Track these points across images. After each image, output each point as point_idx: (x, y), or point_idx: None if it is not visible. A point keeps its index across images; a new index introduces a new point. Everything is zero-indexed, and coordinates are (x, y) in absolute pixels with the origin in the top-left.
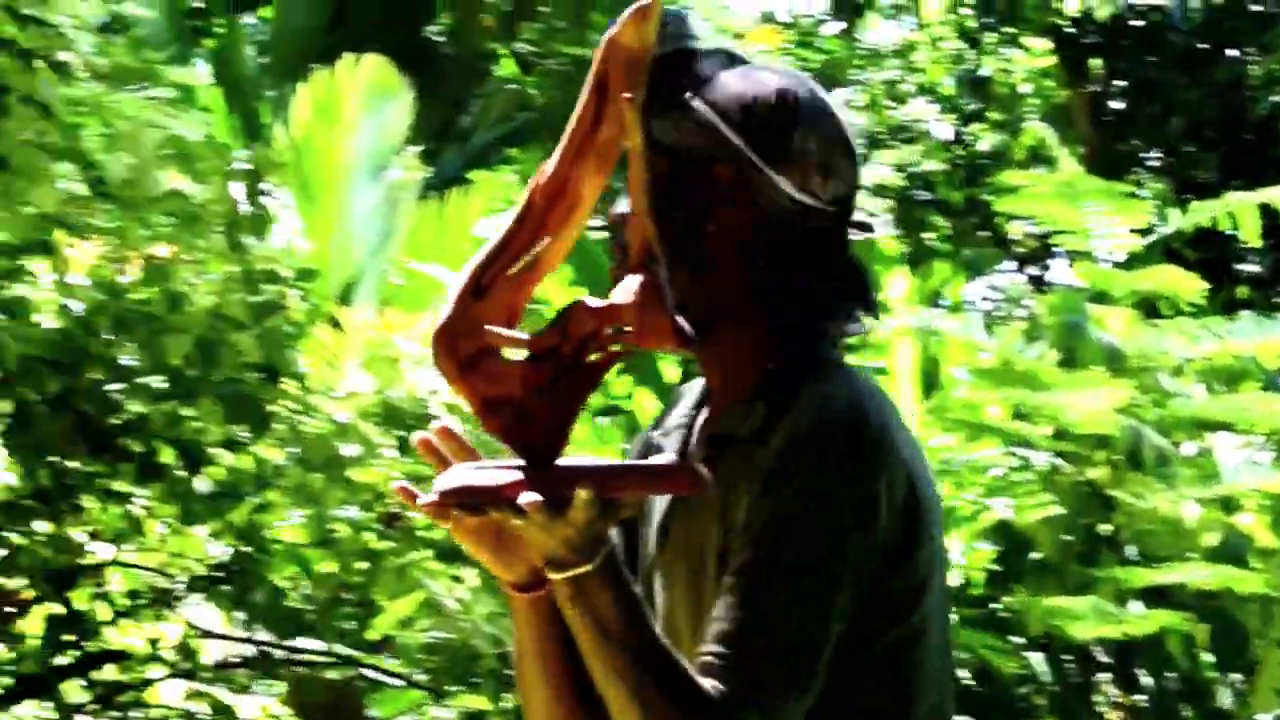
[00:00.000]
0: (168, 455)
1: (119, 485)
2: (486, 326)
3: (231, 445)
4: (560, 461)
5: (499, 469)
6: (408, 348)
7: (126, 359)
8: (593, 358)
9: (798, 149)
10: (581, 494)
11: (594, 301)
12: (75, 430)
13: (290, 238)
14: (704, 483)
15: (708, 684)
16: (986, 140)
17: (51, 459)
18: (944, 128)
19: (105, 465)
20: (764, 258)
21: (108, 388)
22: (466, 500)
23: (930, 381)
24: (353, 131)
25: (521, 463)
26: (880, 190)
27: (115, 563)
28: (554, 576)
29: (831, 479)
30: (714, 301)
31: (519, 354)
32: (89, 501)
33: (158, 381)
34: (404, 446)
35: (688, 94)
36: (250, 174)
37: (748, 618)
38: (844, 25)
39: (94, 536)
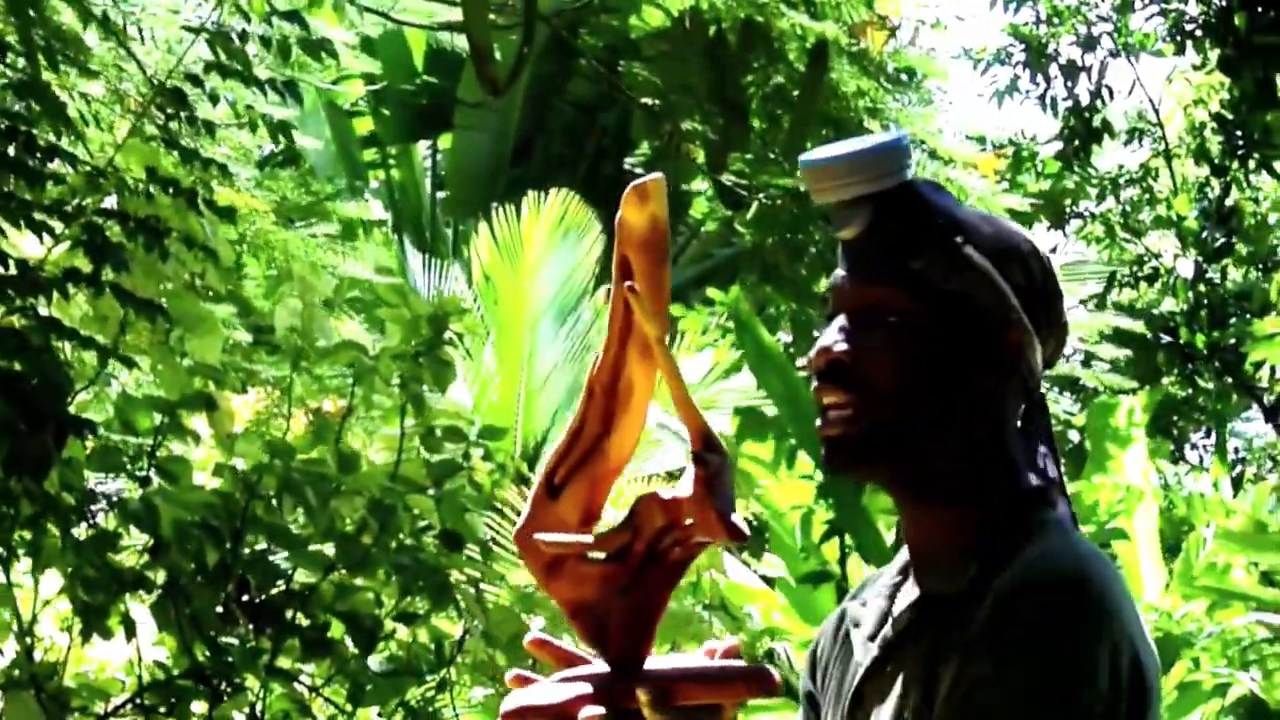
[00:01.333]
0: (337, 630)
1: (283, 663)
2: (537, 535)
3: (408, 618)
4: (651, 664)
5: (575, 681)
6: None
7: (293, 524)
8: (671, 553)
9: (1058, 318)
10: (643, 699)
11: (664, 493)
12: (236, 602)
13: (474, 390)
14: (776, 688)
15: None
16: (1232, 275)
17: (209, 634)
18: (1186, 264)
19: (268, 641)
20: (1007, 426)
21: (272, 556)
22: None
23: (1173, 545)
24: (539, 271)
25: (606, 670)
26: (1118, 336)
27: None
28: None
29: (1051, 636)
30: (959, 461)
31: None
32: (250, 680)
33: (327, 549)
34: None
35: (958, 239)
36: (431, 320)
37: None
38: (1071, 151)
39: (256, 719)
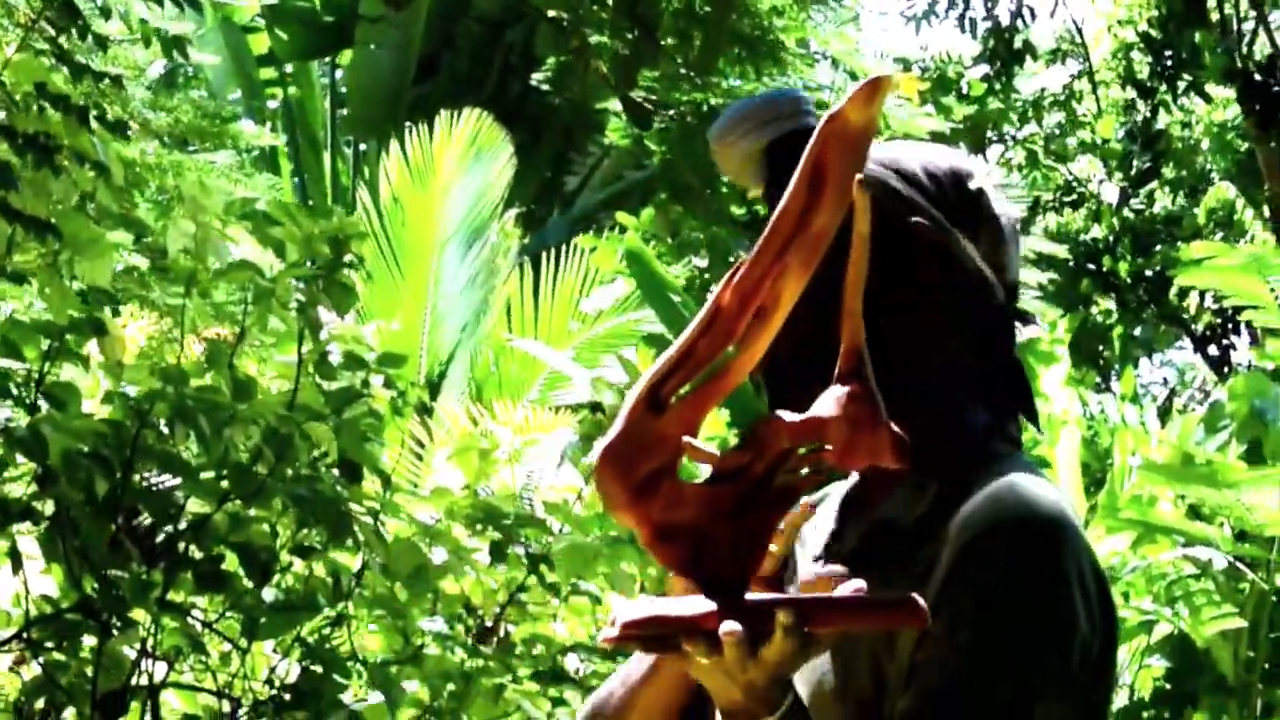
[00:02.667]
0: (232, 562)
1: (176, 596)
2: (685, 438)
3: (304, 551)
4: (749, 595)
5: (686, 601)
6: (504, 438)
7: (186, 453)
8: (785, 478)
9: (985, 214)
10: (783, 620)
11: (791, 416)
12: (126, 534)
13: (374, 315)
14: (925, 618)
15: None
16: (1160, 202)
17: (99, 566)
18: (1111, 189)
19: (160, 574)
20: (960, 343)
21: (164, 486)
22: (654, 633)
23: (1096, 476)
24: (448, 195)
25: (703, 597)
26: (1040, 260)
27: (171, 684)
28: None
29: (1030, 579)
30: (906, 395)
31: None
32: (141, 615)
33: (221, 479)
34: (498, 552)
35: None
36: (331, 243)
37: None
38: (996, 72)
39: (147, 654)
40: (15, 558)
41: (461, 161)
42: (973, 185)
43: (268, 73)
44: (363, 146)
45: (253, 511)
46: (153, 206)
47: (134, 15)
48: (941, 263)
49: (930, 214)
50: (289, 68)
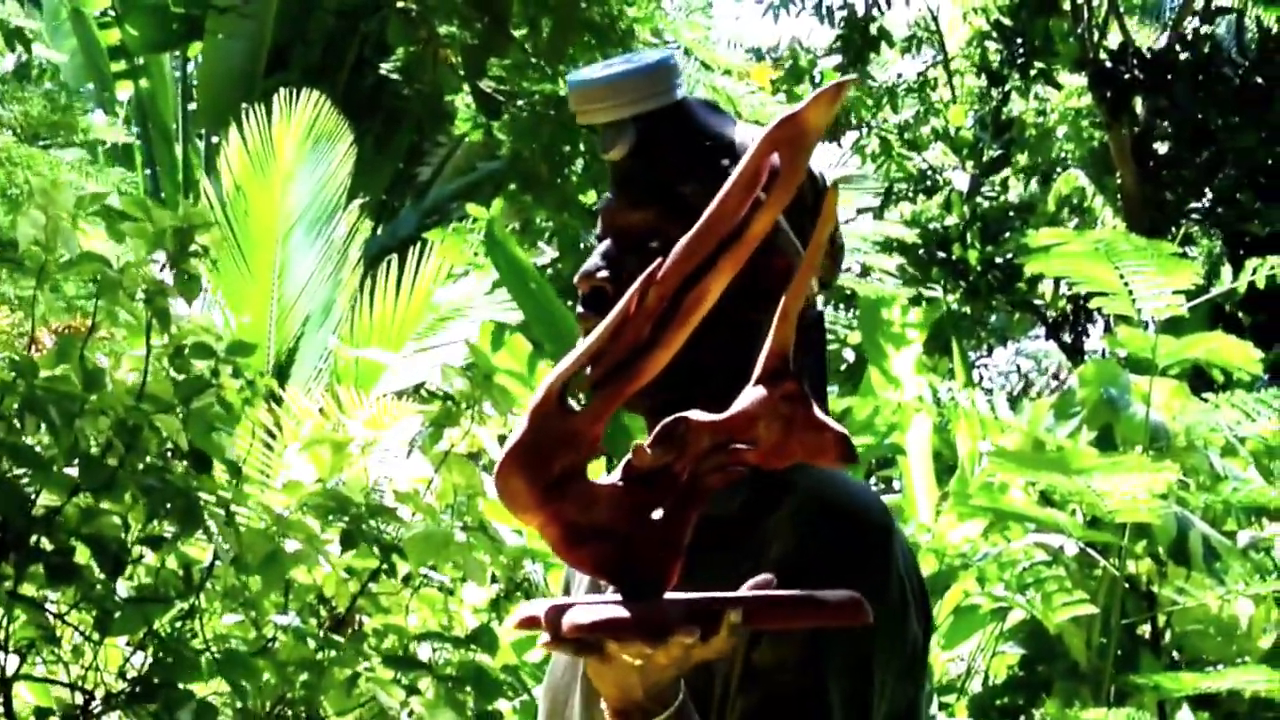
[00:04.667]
0: (83, 555)
1: (28, 589)
2: (638, 442)
3: (155, 543)
4: (671, 595)
5: (609, 601)
6: (355, 430)
7: (36, 445)
8: (706, 477)
9: (838, 243)
10: (733, 619)
11: (707, 415)
12: None
13: (221, 305)
14: (869, 617)
15: None
16: (1014, 190)
17: None
18: (962, 177)
19: (11, 566)
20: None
21: (14, 478)
22: (598, 637)
23: (948, 464)
24: (291, 181)
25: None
26: (890, 246)
27: (22, 676)
28: None
29: (858, 560)
30: (721, 397)
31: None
32: None
33: (72, 471)
34: (349, 541)
35: (725, 162)
36: (177, 233)
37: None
38: (850, 61)
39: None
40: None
41: (301, 148)
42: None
43: (119, 65)
44: (215, 139)
45: (104, 504)
46: (2, 200)
47: None
48: (780, 283)
49: (791, 241)
50: (140, 60)
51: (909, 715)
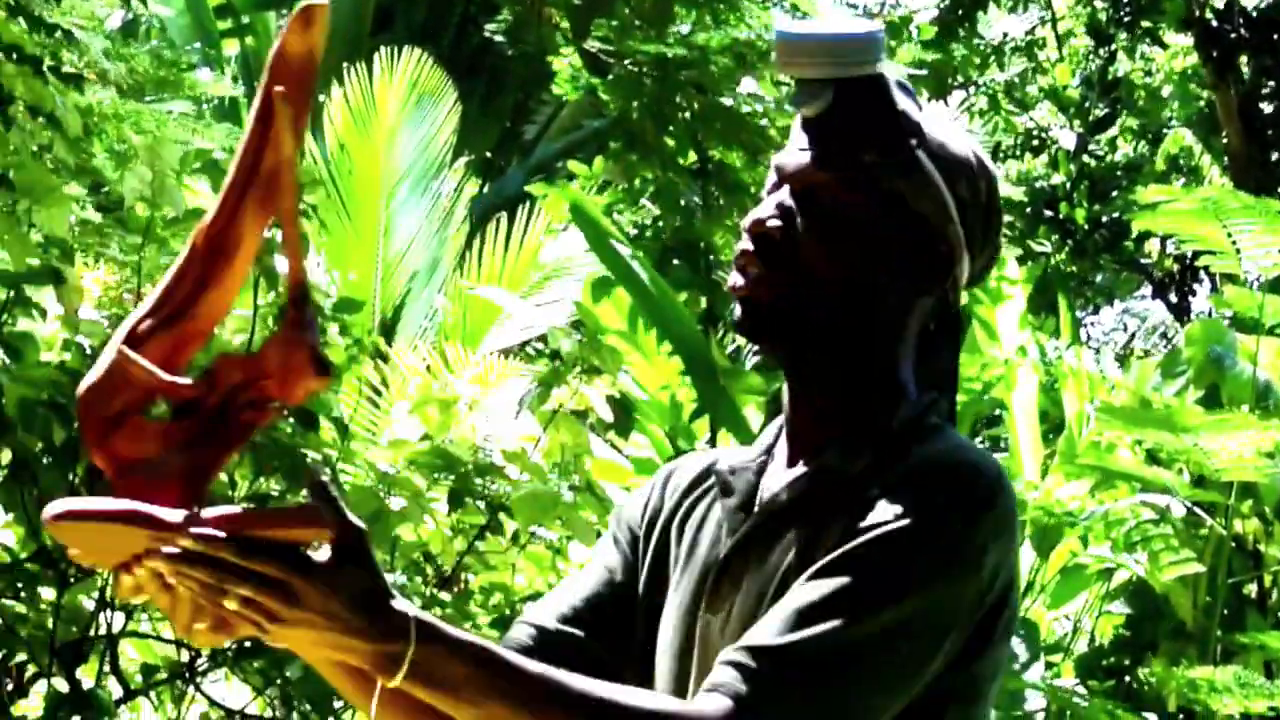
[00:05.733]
0: None
1: None
2: (122, 348)
3: (261, 500)
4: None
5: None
6: (462, 388)
7: None
8: (243, 413)
9: (993, 237)
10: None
11: (243, 356)
12: (85, 483)
13: (328, 264)
14: (327, 526)
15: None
16: (1121, 149)
17: None
18: (1069, 136)
19: None
20: (921, 330)
21: None
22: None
23: (1055, 424)
24: (394, 139)
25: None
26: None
27: (129, 633)
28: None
29: (952, 510)
30: (867, 365)
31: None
32: None
33: None
34: (456, 499)
35: (913, 142)
36: None
37: (809, 637)
38: (957, 19)
39: (106, 604)
40: None
41: (404, 106)
42: (1002, 219)
43: (225, 23)
44: (320, 97)
45: None
46: (110, 157)
47: None
48: (941, 273)
49: (959, 237)
50: (246, 18)
51: (966, 675)
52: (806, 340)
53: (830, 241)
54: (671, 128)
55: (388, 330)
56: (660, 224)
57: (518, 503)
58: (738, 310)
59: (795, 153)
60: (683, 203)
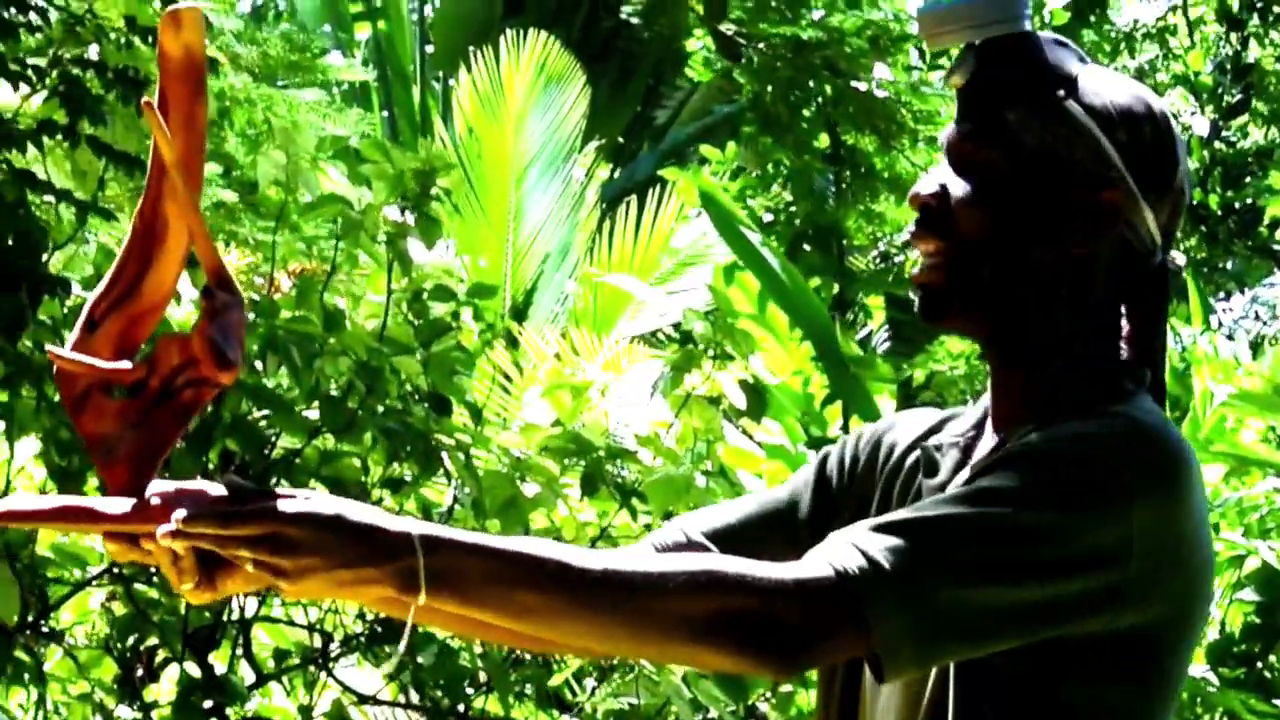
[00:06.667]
0: None
1: None
2: (49, 347)
3: (395, 485)
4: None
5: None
6: (594, 373)
7: (276, 387)
8: (184, 392)
9: (1177, 186)
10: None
11: (179, 335)
12: (218, 468)
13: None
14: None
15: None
16: (1254, 135)
17: None
18: (1202, 122)
19: None
20: (1107, 289)
21: (255, 420)
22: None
23: (1182, 407)
24: (522, 125)
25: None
26: None
27: (262, 619)
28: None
29: (1093, 455)
30: (1046, 330)
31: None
32: None
33: (312, 413)
34: (589, 485)
35: (1060, 93)
36: (418, 176)
37: (928, 532)
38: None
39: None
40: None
41: (532, 90)
42: (1179, 161)
43: (356, 7)
44: (451, 82)
45: (344, 446)
46: (242, 141)
47: None
48: (1107, 224)
49: (1125, 183)
50: (378, 2)
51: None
52: (979, 312)
53: (982, 204)
54: (805, 112)
55: (519, 315)
56: (793, 209)
57: (650, 488)
58: (917, 299)
59: (952, 125)
60: (814, 188)
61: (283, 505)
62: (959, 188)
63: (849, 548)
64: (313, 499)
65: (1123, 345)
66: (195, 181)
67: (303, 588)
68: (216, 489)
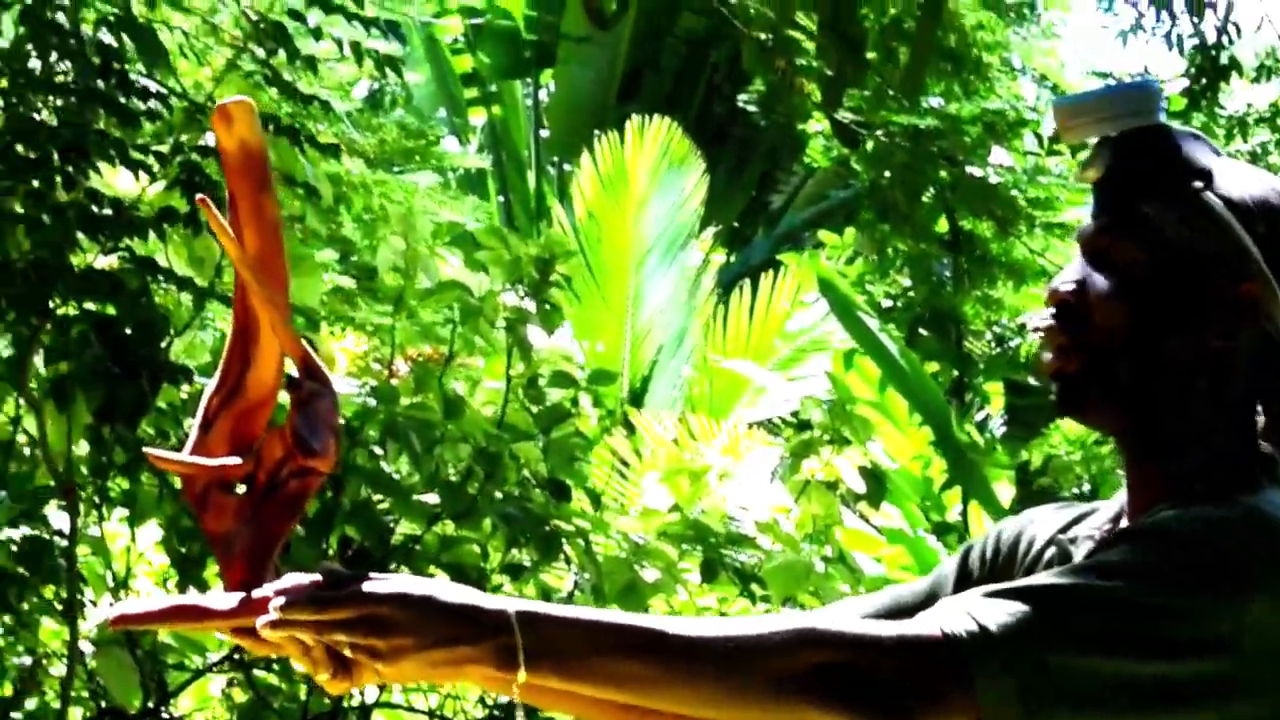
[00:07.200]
0: None
1: None
2: (146, 449)
3: (515, 571)
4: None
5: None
6: (712, 458)
7: (396, 473)
8: (291, 484)
9: None
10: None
11: (277, 428)
12: (338, 554)
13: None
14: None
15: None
16: None
17: None
18: None
19: None
20: (1246, 382)
21: (375, 506)
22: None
23: None
24: (643, 209)
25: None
26: None
27: (383, 704)
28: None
29: (1226, 541)
30: (1184, 423)
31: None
32: None
33: (431, 498)
34: (708, 570)
35: (1197, 185)
36: (538, 262)
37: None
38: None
39: None
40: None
41: (654, 175)
42: None
43: (471, 92)
44: (567, 166)
45: (463, 531)
46: (358, 226)
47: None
48: (1246, 317)
49: (1264, 275)
50: (493, 87)
51: None
52: (1117, 406)
53: (1120, 299)
54: (923, 198)
55: (636, 400)
56: (910, 294)
57: (770, 573)
58: (1054, 389)
59: (1088, 219)
60: (932, 275)
61: (376, 587)
62: (1097, 282)
63: (959, 611)
64: (406, 580)
65: (1257, 441)
66: (274, 274)
67: (400, 669)
68: (314, 577)
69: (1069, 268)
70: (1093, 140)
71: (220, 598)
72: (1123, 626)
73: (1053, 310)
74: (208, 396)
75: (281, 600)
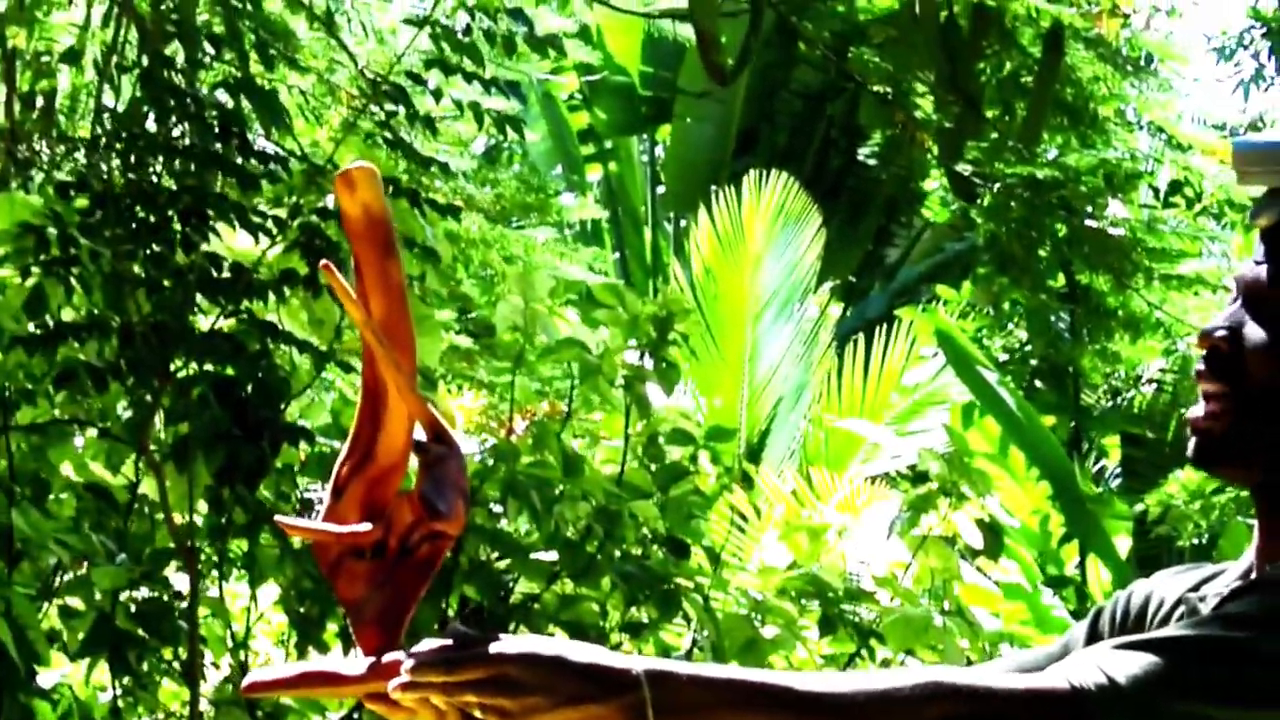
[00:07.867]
0: None
1: None
2: (277, 518)
3: (634, 629)
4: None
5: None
6: (830, 514)
7: (514, 532)
8: (422, 548)
9: None
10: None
11: (404, 491)
12: (458, 615)
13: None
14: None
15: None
16: None
17: None
18: None
19: None
20: None
21: (493, 563)
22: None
23: None
24: (759, 264)
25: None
26: None
27: None
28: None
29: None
30: None
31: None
32: None
33: (550, 557)
34: (827, 626)
35: None
36: (656, 321)
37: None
38: None
39: None
40: (346, 639)
41: (771, 230)
42: None
43: (588, 149)
44: (683, 222)
45: (582, 590)
46: (476, 282)
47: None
48: None
49: None
50: (609, 143)
51: None
52: (1259, 461)
53: (1277, 354)
54: (1040, 251)
55: (754, 456)
56: (1028, 348)
57: (889, 628)
58: (1191, 441)
59: (1251, 264)
60: (1050, 328)
61: (504, 647)
62: (1254, 333)
63: (1087, 664)
64: (534, 640)
65: None
66: (400, 339)
67: None
68: (443, 641)
69: (1223, 311)
70: (1266, 188)
71: (351, 663)
72: (1244, 676)
73: (1204, 356)
74: (339, 463)
75: (412, 663)
